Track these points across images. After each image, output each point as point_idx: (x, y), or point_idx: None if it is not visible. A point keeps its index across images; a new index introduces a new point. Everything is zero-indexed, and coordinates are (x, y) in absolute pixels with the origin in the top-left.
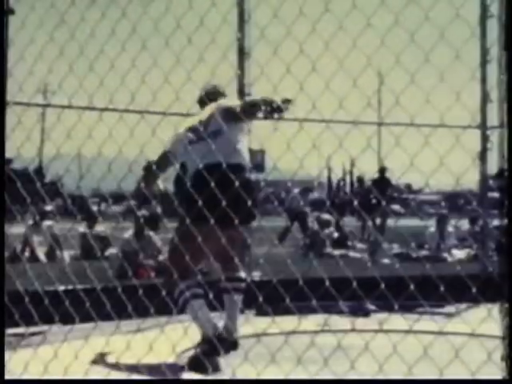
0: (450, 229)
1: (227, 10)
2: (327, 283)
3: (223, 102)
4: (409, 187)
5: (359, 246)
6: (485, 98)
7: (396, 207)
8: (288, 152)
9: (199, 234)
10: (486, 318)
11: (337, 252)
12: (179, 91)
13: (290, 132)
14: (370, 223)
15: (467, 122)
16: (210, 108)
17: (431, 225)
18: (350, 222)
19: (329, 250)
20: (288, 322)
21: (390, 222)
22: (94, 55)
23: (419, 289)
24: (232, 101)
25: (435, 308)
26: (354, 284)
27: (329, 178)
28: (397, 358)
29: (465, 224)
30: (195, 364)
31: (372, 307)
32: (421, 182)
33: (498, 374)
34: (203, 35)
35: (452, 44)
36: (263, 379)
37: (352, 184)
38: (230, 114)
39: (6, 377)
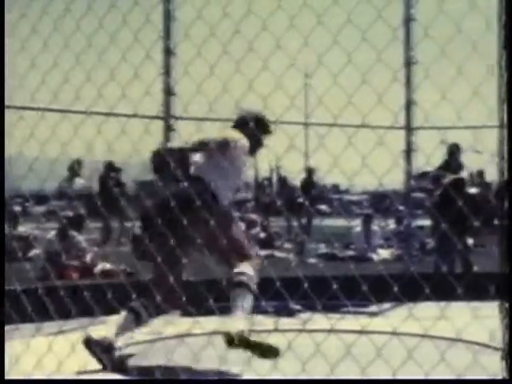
0: (376, 228)
1: (151, 8)
2: None
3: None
4: (336, 187)
5: (285, 246)
6: (409, 100)
7: (323, 207)
8: None
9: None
10: (408, 316)
11: (263, 252)
12: (102, 90)
13: (213, 132)
14: (295, 223)
15: (391, 123)
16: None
17: (357, 225)
18: (276, 222)
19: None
20: (211, 322)
21: (317, 221)
22: (15, 53)
23: (344, 288)
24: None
25: (359, 307)
26: (278, 284)
27: (255, 178)
28: (320, 358)
29: (390, 224)
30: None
31: (297, 307)
32: (347, 182)
33: (420, 372)
34: (127, 34)
35: (375, 46)
36: (263, 379)
37: (278, 184)
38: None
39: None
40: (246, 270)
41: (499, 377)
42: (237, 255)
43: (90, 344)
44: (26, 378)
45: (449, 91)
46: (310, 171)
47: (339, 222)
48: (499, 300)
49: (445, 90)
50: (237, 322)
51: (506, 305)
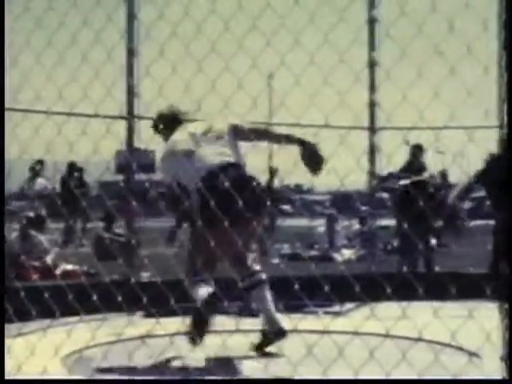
0: (339, 229)
1: (113, 8)
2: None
3: None
4: (299, 187)
5: None
6: (372, 100)
7: (285, 207)
8: None
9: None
10: (369, 316)
11: None
12: (63, 90)
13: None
14: None
15: (354, 124)
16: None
17: (320, 225)
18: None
19: None
20: (174, 323)
21: (280, 222)
22: None
23: (306, 288)
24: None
25: (321, 307)
26: (241, 284)
27: None
28: (282, 358)
29: (354, 224)
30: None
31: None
32: (309, 182)
33: (381, 373)
34: (88, 34)
35: (338, 47)
36: (263, 379)
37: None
38: None
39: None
40: (259, 267)
41: (499, 377)
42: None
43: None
44: (26, 378)
45: (410, 92)
46: (272, 171)
47: (303, 222)
48: (460, 299)
49: (406, 91)
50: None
51: (506, 305)
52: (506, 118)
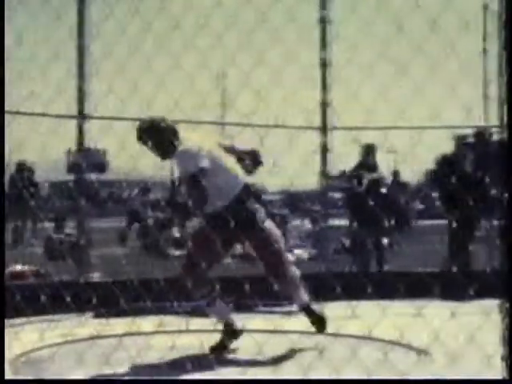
0: (291, 228)
1: (63, 7)
2: (162, 284)
3: None
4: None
5: None
6: (323, 100)
7: None
8: (123, 151)
9: None
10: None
11: (178, 252)
12: (10, 88)
13: (124, 131)
14: None
15: (305, 123)
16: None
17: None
18: (191, 223)
19: (170, 250)
20: (123, 323)
21: None
22: None
23: (258, 288)
24: None
25: (272, 307)
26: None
27: (170, 179)
28: (231, 357)
29: (306, 224)
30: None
31: None
32: (261, 182)
33: (332, 372)
34: (38, 32)
35: (289, 47)
36: (264, 379)
37: None
38: None
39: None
40: None
41: (499, 377)
42: None
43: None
44: (26, 378)
45: (359, 92)
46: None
47: None
48: (411, 298)
49: (356, 91)
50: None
51: (507, 304)
52: (506, 118)
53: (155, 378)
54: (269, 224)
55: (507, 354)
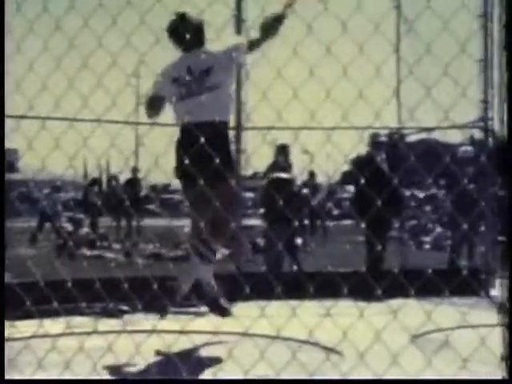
0: None
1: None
2: (70, 285)
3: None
4: (167, 187)
5: (114, 246)
6: (239, 100)
7: (152, 207)
8: (32, 151)
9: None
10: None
11: (91, 252)
12: None
13: (32, 131)
14: (123, 223)
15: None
16: (209, 54)
17: (187, 224)
18: (105, 222)
19: (83, 250)
20: (30, 325)
21: (148, 221)
22: None
23: (168, 289)
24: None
25: (184, 307)
26: (98, 285)
27: (85, 177)
28: (138, 358)
29: None
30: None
31: (124, 308)
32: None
33: (240, 372)
34: None
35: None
36: (263, 379)
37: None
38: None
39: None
40: None
41: (498, 377)
42: None
43: None
44: (26, 378)
45: (271, 92)
46: (134, 170)
47: (170, 222)
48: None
49: (267, 91)
50: None
51: (507, 305)
52: (506, 118)
53: (156, 378)
54: None
55: (507, 354)
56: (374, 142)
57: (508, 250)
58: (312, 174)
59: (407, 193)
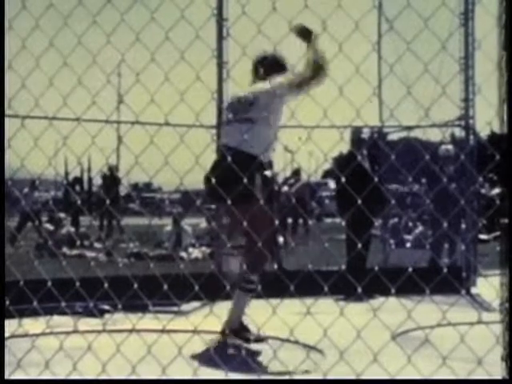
0: (187, 227)
1: None
2: (50, 284)
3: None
4: (148, 186)
5: (96, 245)
6: (221, 98)
7: (133, 206)
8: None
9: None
10: (207, 315)
11: (72, 251)
12: None
13: (11, 130)
14: (105, 222)
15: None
16: (261, 88)
17: (168, 223)
18: (86, 221)
19: (64, 249)
20: (10, 325)
21: (130, 220)
22: None
23: (149, 288)
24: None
25: (162, 306)
26: (78, 284)
27: (66, 176)
28: (120, 358)
29: (202, 222)
30: None
31: (106, 307)
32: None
33: (221, 373)
34: None
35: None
36: (263, 379)
37: (89, 182)
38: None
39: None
40: None
41: (498, 377)
42: None
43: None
44: (26, 378)
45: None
46: (111, 169)
47: (151, 221)
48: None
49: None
50: None
51: (506, 305)
52: (506, 118)
53: (156, 378)
54: None
55: (507, 354)
56: (356, 140)
57: (508, 250)
58: (297, 172)
59: (388, 191)
